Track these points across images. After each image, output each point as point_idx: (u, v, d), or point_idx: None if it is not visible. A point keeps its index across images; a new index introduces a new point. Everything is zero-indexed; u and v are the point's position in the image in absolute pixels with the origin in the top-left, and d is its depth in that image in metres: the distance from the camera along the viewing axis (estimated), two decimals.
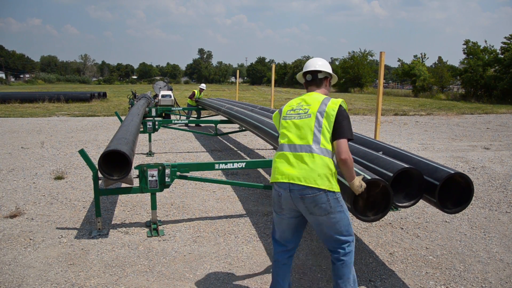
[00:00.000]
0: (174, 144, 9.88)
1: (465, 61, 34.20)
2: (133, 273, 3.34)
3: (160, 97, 14.12)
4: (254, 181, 6.32)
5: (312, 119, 2.49)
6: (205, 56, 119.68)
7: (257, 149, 9.46)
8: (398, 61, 59.69)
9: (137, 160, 7.74)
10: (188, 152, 8.96)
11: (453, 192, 3.12)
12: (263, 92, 44.47)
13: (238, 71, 16.18)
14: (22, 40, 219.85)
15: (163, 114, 13.58)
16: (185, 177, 4.32)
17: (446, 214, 4.67)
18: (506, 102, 26.99)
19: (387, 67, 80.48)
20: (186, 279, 3.27)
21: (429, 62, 77.78)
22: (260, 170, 7.05)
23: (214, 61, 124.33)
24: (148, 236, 4.08)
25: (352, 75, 52.49)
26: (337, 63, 69.46)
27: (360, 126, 13.87)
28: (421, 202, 4.00)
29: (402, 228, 4.42)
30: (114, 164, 3.85)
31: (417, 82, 39.83)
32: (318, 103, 2.52)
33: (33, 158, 7.82)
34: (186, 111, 13.91)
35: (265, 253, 3.77)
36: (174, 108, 12.54)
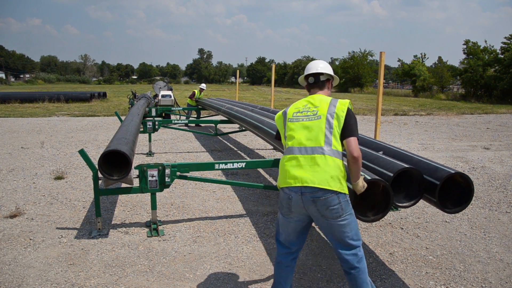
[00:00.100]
0: (174, 144, 9.88)
1: (465, 61, 34.22)
2: (133, 273, 3.34)
3: (160, 97, 14.11)
4: (254, 181, 6.32)
5: (322, 120, 2.47)
6: (205, 56, 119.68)
7: (257, 149, 9.46)
8: (398, 61, 59.62)
9: (137, 160, 7.74)
10: (188, 152, 8.96)
11: (453, 192, 3.12)
12: (263, 92, 44.47)
13: (238, 71, 16.18)
14: (22, 40, 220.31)
15: (163, 114, 13.58)
16: (185, 177, 4.32)
17: (446, 214, 4.68)
18: (506, 102, 26.99)
19: (387, 67, 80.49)
20: (186, 279, 3.27)
21: (429, 62, 78.01)
22: (260, 170, 7.05)
23: (214, 61, 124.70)
24: (148, 236, 4.09)
25: (352, 75, 52.48)
26: (337, 63, 69.57)
27: (360, 126, 13.86)
28: (421, 202, 4.00)
29: (402, 228, 4.42)
30: (114, 164, 3.85)
31: (417, 82, 39.84)
32: (327, 105, 2.51)
33: (33, 158, 7.82)
34: (186, 111, 13.92)
35: (265, 253, 3.77)
36: (174, 108, 12.53)
